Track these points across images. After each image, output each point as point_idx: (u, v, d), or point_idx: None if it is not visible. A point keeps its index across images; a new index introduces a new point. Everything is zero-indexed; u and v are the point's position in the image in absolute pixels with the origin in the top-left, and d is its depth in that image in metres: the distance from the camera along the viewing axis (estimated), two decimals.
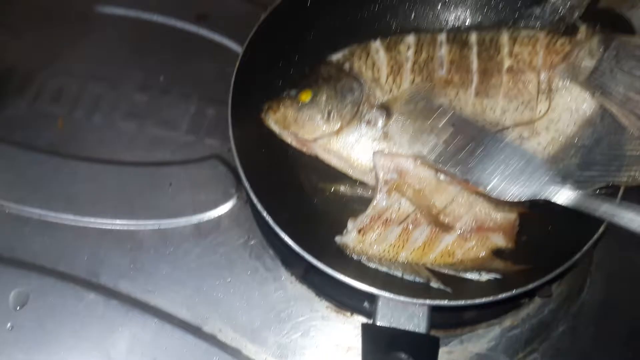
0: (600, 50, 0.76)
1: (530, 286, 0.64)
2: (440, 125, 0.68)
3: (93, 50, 1.01)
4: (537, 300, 0.77)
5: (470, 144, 0.66)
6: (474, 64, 0.80)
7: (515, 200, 0.65)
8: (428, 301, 0.63)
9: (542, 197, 0.64)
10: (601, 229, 0.67)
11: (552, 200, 0.65)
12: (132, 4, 1.05)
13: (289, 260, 0.78)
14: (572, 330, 0.76)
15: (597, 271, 0.80)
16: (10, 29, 1.03)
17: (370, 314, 0.72)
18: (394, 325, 0.62)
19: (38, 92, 0.96)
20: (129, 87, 0.97)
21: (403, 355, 0.60)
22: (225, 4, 1.06)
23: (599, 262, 0.80)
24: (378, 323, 0.63)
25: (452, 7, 0.92)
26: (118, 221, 0.83)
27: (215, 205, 0.85)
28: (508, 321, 0.76)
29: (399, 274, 0.69)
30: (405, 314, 0.63)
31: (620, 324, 0.77)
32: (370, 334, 0.63)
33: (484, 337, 0.76)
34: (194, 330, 0.75)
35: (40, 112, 0.94)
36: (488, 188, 0.65)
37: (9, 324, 0.76)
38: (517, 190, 0.64)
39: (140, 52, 1.01)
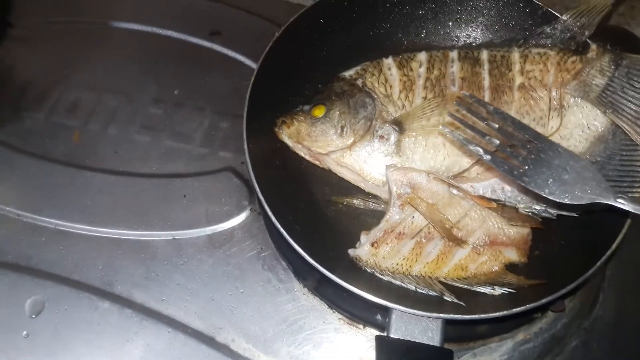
0: (612, 68, 0.77)
1: (544, 301, 0.64)
2: (497, 127, 0.67)
3: (109, 64, 1.03)
4: (550, 315, 0.78)
5: (526, 147, 0.66)
6: (486, 81, 0.81)
7: (574, 203, 0.64)
8: (442, 315, 0.64)
9: (600, 202, 0.64)
10: (614, 245, 0.68)
11: (611, 204, 0.64)
12: (147, 20, 1.07)
13: (302, 272, 0.79)
14: (584, 345, 0.76)
15: (610, 286, 0.80)
16: (28, 43, 1.05)
17: (383, 326, 0.72)
18: (407, 338, 0.63)
19: (54, 105, 0.98)
20: (143, 100, 0.98)
21: None
22: (238, 21, 1.08)
23: (612, 277, 0.80)
24: (392, 336, 0.63)
25: (463, 25, 0.93)
26: (132, 232, 0.84)
27: (228, 217, 0.86)
28: (521, 335, 0.77)
29: (412, 287, 0.70)
30: (419, 327, 0.64)
31: (633, 339, 0.77)
32: (385, 346, 0.63)
33: (497, 351, 0.76)
34: (207, 340, 0.76)
35: (56, 124, 0.96)
36: (546, 191, 0.64)
37: (24, 332, 0.76)
38: (575, 194, 0.64)
39: (155, 66, 1.03)
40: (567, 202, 0.64)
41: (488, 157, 0.66)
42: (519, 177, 0.65)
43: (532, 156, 0.66)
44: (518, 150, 0.66)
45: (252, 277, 0.81)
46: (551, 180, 0.64)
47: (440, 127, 0.75)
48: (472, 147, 0.66)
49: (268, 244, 0.83)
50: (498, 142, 0.67)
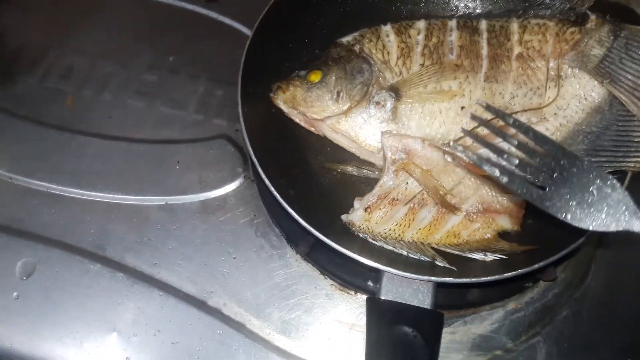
0: (610, 39, 0.77)
1: (536, 266, 0.65)
2: (517, 142, 0.58)
3: (104, 30, 1.02)
4: (542, 284, 0.78)
5: (548, 164, 0.57)
6: (484, 50, 0.80)
7: (599, 231, 0.56)
8: (433, 278, 0.64)
9: (629, 230, 0.56)
10: None
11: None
12: None
13: (295, 238, 0.78)
14: (575, 314, 0.77)
15: (602, 257, 0.80)
16: (22, 6, 1.04)
17: (374, 292, 0.72)
18: (398, 300, 0.63)
19: (48, 70, 0.97)
20: (138, 66, 0.97)
21: (407, 329, 0.60)
22: None
23: (604, 248, 0.81)
24: (382, 297, 0.63)
25: None
26: (125, 196, 0.84)
27: (222, 183, 0.85)
28: (512, 304, 0.77)
29: (404, 252, 0.70)
30: (409, 290, 0.64)
31: (623, 310, 0.77)
32: (375, 307, 0.63)
33: (488, 319, 0.76)
34: (199, 304, 0.76)
35: (50, 89, 0.95)
36: (568, 217, 0.56)
37: (15, 293, 0.76)
38: (602, 220, 0.56)
39: (151, 32, 1.02)
40: (592, 230, 0.56)
41: (505, 179, 0.57)
42: (539, 201, 0.57)
43: (555, 175, 0.57)
44: (538, 168, 0.57)
45: (245, 243, 0.81)
46: (574, 202, 0.56)
47: (452, 144, 0.67)
48: (487, 168, 0.57)
49: (261, 211, 0.83)
50: (517, 161, 0.58)
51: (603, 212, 0.55)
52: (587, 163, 0.57)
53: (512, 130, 0.59)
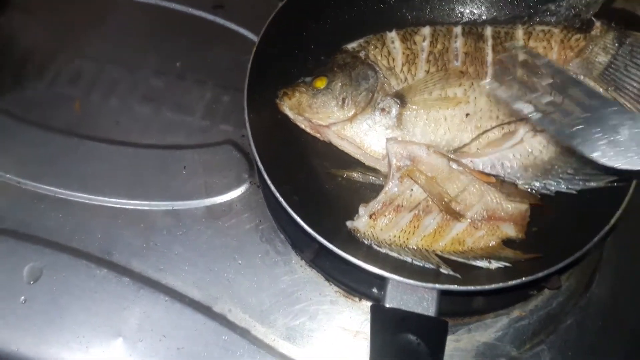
0: (615, 45, 0.77)
1: (540, 274, 0.64)
2: (545, 83, 0.59)
3: (111, 35, 1.02)
4: (546, 292, 0.77)
5: (579, 104, 0.58)
6: (489, 57, 0.81)
7: (629, 169, 0.57)
8: (437, 285, 0.64)
9: None
10: (612, 221, 0.67)
11: None
12: None
13: (300, 244, 0.79)
14: (580, 323, 0.76)
15: (606, 266, 0.80)
16: (31, 12, 1.05)
17: (378, 299, 0.72)
18: (403, 307, 0.63)
19: (56, 75, 0.98)
20: (145, 71, 0.98)
21: (412, 337, 0.60)
22: None
23: (608, 256, 0.80)
24: (387, 305, 0.63)
25: (468, 2, 0.93)
26: (132, 201, 0.84)
27: (227, 189, 0.86)
28: (516, 312, 0.77)
29: (409, 259, 0.70)
30: (414, 297, 0.64)
31: (628, 319, 0.77)
32: (380, 314, 0.63)
33: (492, 327, 0.76)
34: (204, 310, 0.76)
35: (58, 93, 0.96)
36: (597, 155, 0.57)
37: (22, 298, 0.77)
38: (630, 158, 0.56)
39: (158, 38, 1.02)
40: (620, 168, 0.57)
41: (537, 115, 0.59)
42: (569, 139, 0.58)
43: (585, 114, 0.58)
44: (569, 107, 0.59)
45: (250, 248, 0.81)
46: (604, 141, 0.57)
47: (486, 81, 0.69)
48: (519, 105, 0.59)
49: (267, 217, 0.83)
50: (548, 99, 0.59)
51: (632, 151, 0.56)
52: (617, 105, 0.58)
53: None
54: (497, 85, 0.60)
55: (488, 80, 0.63)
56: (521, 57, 0.63)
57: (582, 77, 0.78)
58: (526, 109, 0.59)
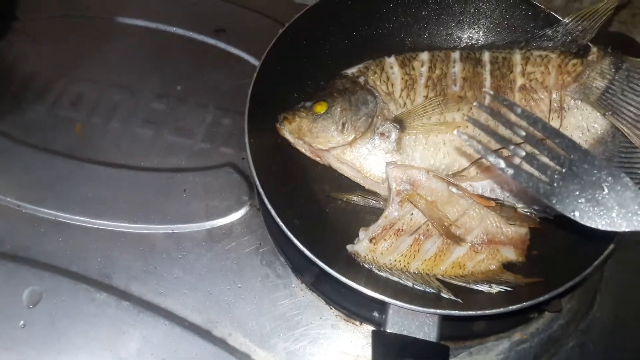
0: (612, 71, 0.78)
1: (541, 299, 0.64)
2: (525, 135, 0.55)
3: (113, 58, 1.03)
4: (547, 315, 0.78)
5: (557, 158, 0.55)
6: (487, 82, 0.82)
7: (612, 230, 0.54)
8: (439, 311, 0.64)
9: None
10: (612, 246, 0.68)
11: None
12: (153, 17, 1.08)
13: (300, 267, 0.79)
14: (581, 346, 0.76)
15: (607, 288, 0.80)
16: (33, 36, 1.06)
17: (379, 323, 0.72)
18: (404, 333, 0.63)
19: (57, 98, 0.98)
20: (146, 95, 0.99)
21: None
22: (243, 19, 1.09)
23: (609, 279, 0.81)
24: (388, 330, 0.63)
25: (466, 27, 0.94)
26: (132, 225, 0.84)
27: (228, 212, 0.86)
28: (517, 335, 0.77)
29: (409, 283, 0.70)
30: (415, 323, 0.64)
31: (629, 342, 0.77)
32: (381, 340, 0.63)
33: (493, 350, 0.76)
34: (204, 334, 0.76)
35: (59, 116, 0.96)
36: (576, 215, 0.54)
37: (21, 322, 0.76)
38: (613, 220, 0.53)
39: (159, 62, 1.03)
40: (603, 230, 0.53)
41: (511, 171, 0.55)
42: (546, 196, 0.54)
43: (564, 170, 0.54)
44: (546, 162, 0.55)
45: (251, 272, 0.81)
46: (583, 199, 0.53)
47: (455, 132, 0.61)
48: (491, 159, 0.55)
49: (267, 240, 0.83)
50: (524, 153, 0.55)
51: (614, 211, 0.53)
52: (599, 160, 0.54)
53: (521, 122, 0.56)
54: (466, 138, 0.55)
55: (456, 131, 0.57)
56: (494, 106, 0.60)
57: (579, 102, 0.79)
58: (499, 163, 0.55)
